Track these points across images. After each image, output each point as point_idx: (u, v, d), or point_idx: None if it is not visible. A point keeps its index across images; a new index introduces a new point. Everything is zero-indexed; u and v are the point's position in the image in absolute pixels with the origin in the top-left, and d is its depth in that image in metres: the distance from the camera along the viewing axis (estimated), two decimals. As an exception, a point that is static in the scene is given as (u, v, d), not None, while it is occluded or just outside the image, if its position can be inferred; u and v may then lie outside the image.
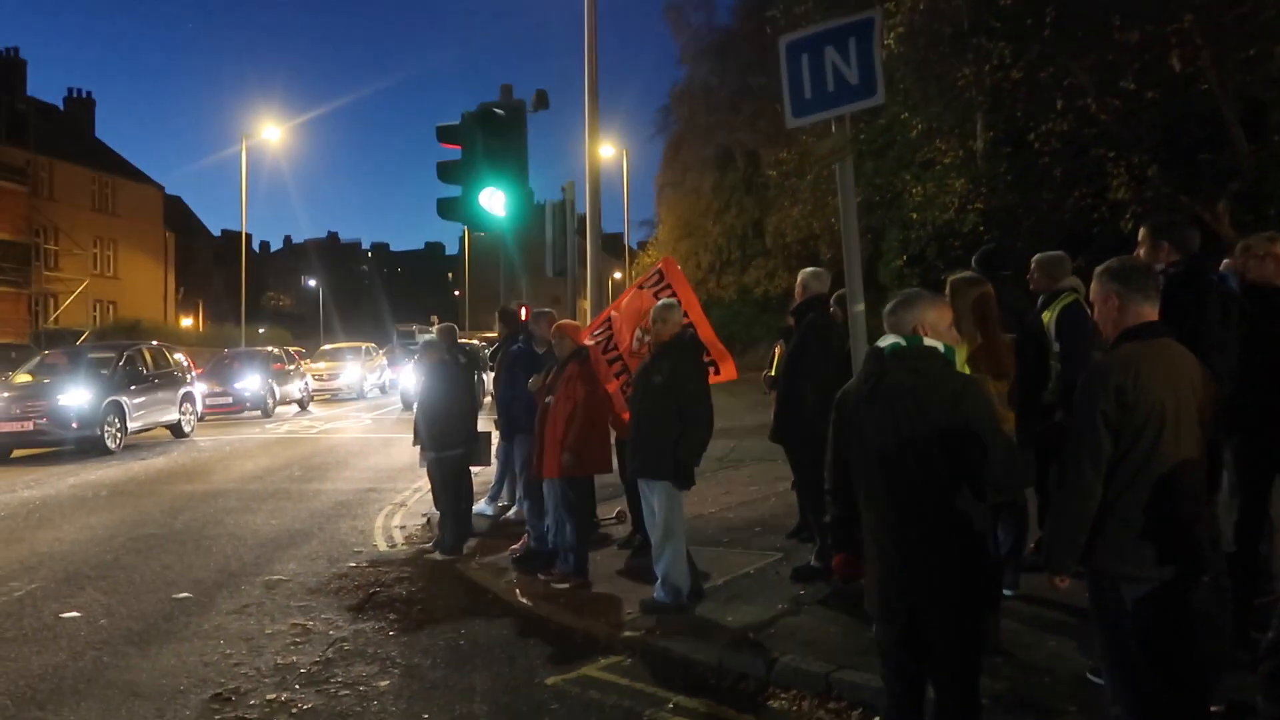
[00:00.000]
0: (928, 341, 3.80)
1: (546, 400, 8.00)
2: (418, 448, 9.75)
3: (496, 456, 10.72)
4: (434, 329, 10.00)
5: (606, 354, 8.40)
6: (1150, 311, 3.80)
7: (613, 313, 8.70)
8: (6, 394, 18.98)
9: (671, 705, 5.59)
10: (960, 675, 3.77)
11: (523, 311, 11.85)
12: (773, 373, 8.75)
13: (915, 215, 24.70)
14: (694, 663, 6.05)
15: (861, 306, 6.02)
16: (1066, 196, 20.03)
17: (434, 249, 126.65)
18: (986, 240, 12.40)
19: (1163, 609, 3.58)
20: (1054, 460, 3.78)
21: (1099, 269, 3.94)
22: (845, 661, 5.65)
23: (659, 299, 7.81)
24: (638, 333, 7.94)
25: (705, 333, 8.15)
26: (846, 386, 4.00)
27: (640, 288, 8.66)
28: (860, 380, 3.90)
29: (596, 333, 8.69)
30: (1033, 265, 7.05)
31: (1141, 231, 5.71)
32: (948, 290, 5.62)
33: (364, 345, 39.64)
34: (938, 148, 23.80)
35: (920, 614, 3.75)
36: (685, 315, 7.53)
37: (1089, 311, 6.47)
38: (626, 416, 7.62)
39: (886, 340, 3.85)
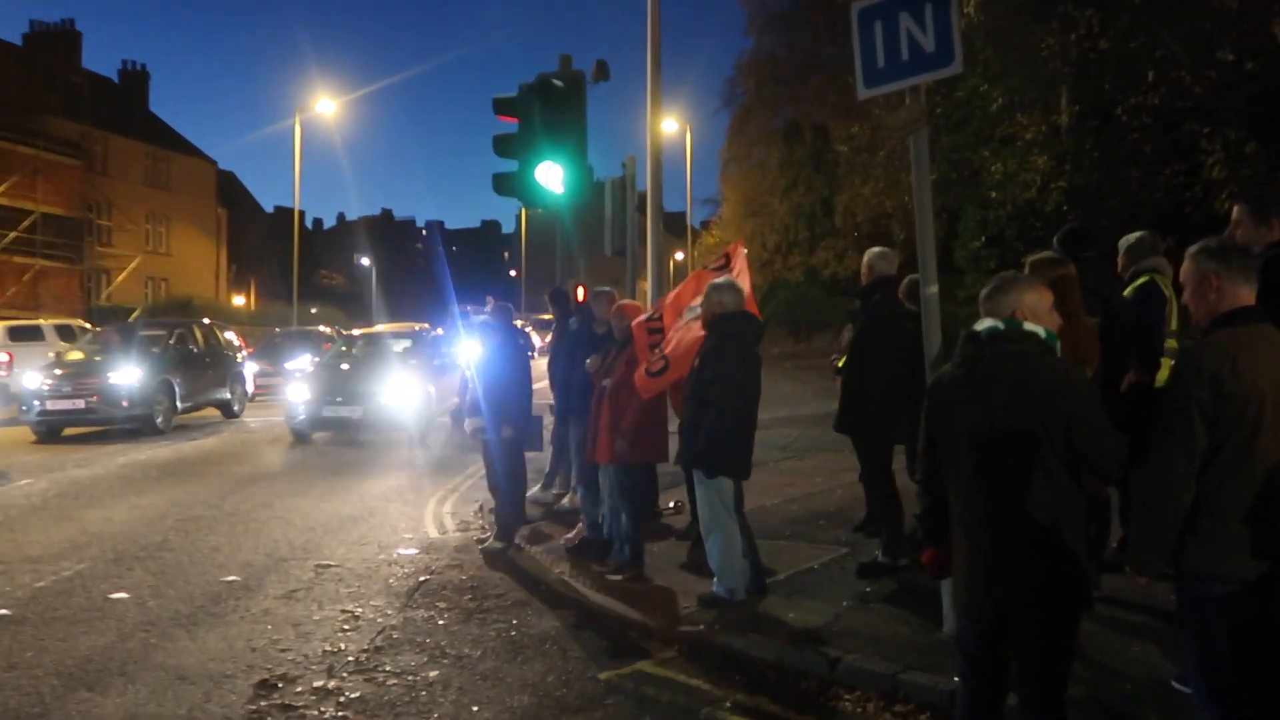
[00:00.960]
0: (1027, 326, 3.77)
1: (604, 383, 7.92)
2: (470, 428, 9.70)
3: (550, 442, 10.71)
4: (489, 307, 10.05)
5: (651, 335, 8.28)
6: (1248, 295, 3.67)
7: (671, 296, 8.66)
8: (59, 371, 19.37)
9: (729, 704, 5.56)
10: (1046, 679, 3.69)
11: (580, 291, 11.92)
12: (839, 364, 8.78)
13: (994, 194, 24.30)
14: (753, 660, 5.99)
15: (935, 289, 5.90)
16: (1157, 175, 19.58)
17: (490, 228, 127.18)
18: (1070, 220, 12.17)
19: (1257, 614, 3.46)
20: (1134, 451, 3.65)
21: (1192, 249, 3.80)
22: (913, 662, 5.56)
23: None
24: (687, 309, 7.91)
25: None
26: (940, 371, 3.98)
27: (704, 269, 8.62)
28: (955, 364, 3.88)
29: (653, 318, 8.56)
30: (1119, 247, 6.90)
31: (1238, 210, 5.54)
32: (1026, 270, 5.49)
33: (418, 326, 38.62)
34: (1019, 122, 23.36)
35: (1009, 612, 3.68)
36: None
37: (1165, 294, 6.48)
38: (646, 396, 7.57)
39: (984, 324, 3.83)
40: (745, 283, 7.59)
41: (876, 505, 7.73)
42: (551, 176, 10.61)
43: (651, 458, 8.17)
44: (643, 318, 8.27)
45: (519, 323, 33.98)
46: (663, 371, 7.44)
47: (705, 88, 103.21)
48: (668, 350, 7.56)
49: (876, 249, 7.67)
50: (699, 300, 7.36)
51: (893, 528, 7.41)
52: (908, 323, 6.83)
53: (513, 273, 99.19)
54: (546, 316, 44.78)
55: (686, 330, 7.51)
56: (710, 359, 6.71)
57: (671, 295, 8.29)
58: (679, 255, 61.94)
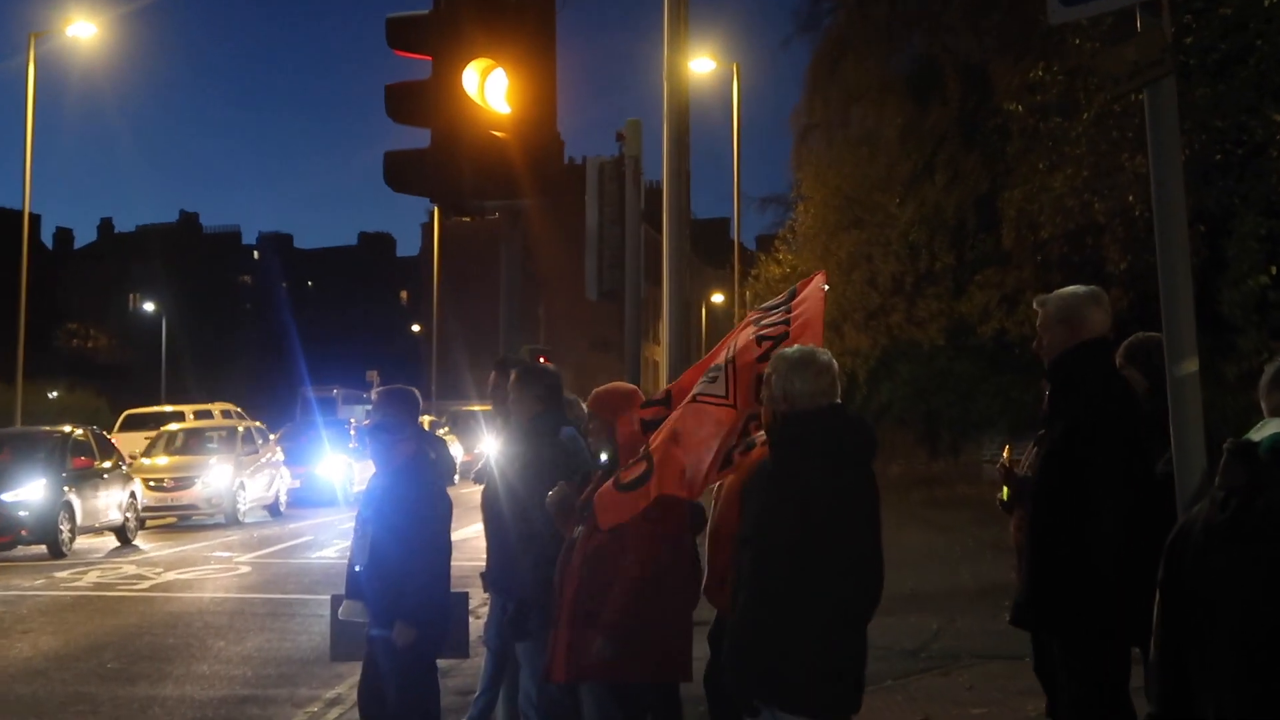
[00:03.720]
0: None
1: (575, 533, 6.06)
2: (338, 618, 7.48)
3: (485, 642, 7.82)
4: (373, 394, 8.03)
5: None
6: None
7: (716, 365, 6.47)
8: None
9: None
10: None
11: (542, 361, 9.57)
12: (1004, 495, 6.78)
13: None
14: None
15: (1193, 363, 4.65)
16: None
17: (375, 248, 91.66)
18: None
19: None
20: None
21: None
22: None
23: (760, 341, 5.83)
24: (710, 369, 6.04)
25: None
26: (1187, 517, 3.42)
27: (756, 324, 6.36)
28: (1213, 502, 3.24)
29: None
30: None
31: None
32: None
33: (240, 425, 29.39)
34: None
35: None
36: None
37: None
38: (604, 525, 5.73)
39: (1266, 429, 3.17)
40: (814, 329, 5.71)
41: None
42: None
43: (660, 673, 6.14)
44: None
45: (426, 422, 28.73)
46: (639, 483, 5.50)
47: (767, 1, 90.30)
48: (655, 443, 5.56)
49: (1074, 290, 5.75)
50: (736, 354, 5.72)
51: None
52: (1140, 425, 5.35)
53: (416, 327, 71.60)
54: (478, 408, 35.45)
55: (697, 413, 5.60)
56: (762, 498, 4.77)
57: (709, 359, 6.27)
58: (717, 297, 55.00)
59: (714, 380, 5.62)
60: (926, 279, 28.92)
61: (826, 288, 6.31)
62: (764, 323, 6.20)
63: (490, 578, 7.19)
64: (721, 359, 5.85)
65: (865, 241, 29.86)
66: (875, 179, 29.86)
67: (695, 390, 5.77)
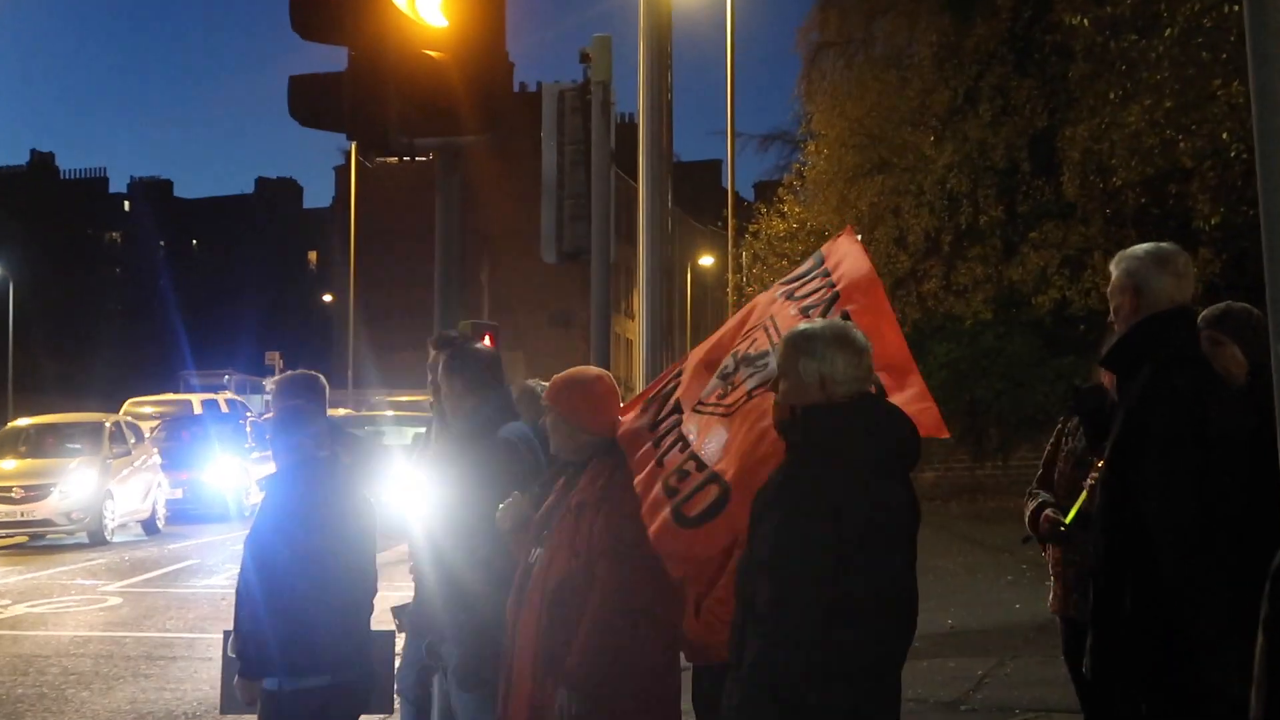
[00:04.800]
0: None
1: (531, 556, 5.69)
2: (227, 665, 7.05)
3: (400, 692, 7.38)
4: (273, 382, 8.33)
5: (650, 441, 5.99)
6: None
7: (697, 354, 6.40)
8: None
9: None
10: None
11: (487, 340, 9.41)
12: (1068, 519, 6.35)
13: None
14: None
15: None
16: None
17: (275, 196, 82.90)
18: None
19: None
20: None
21: None
22: None
23: (806, 312, 5.54)
24: (726, 361, 5.74)
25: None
26: None
27: (788, 297, 6.12)
28: None
29: (656, 399, 6.21)
30: None
31: None
32: None
33: (108, 419, 26.43)
34: None
35: None
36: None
37: None
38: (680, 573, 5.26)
39: None
40: (875, 299, 5.44)
41: None
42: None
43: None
44: (632, 417, 5.93)
45: (338, 416, 28.02)
46: (716, 510, 5.03)
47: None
48: (729, 453, 5.21)
49: (1148, 249, 5.40)
50: (756, 345, 5.39)
51: None
52: (1236, 416, 4.93)
53: (327, 297, 65.51)
54: (411, 398, 32.50)
55: (743, 420, 5.22)
56: (782, 515, 4.44)
57: (699, 352, 6.06)
58: (706, 259, 52.71)
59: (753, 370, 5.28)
60: (969, 237, 25.79)
61: (859, 237, 5.73)
62: (799, 294, 5.79)
63: (410, 613, 6.85)
64: (745, 347, 5.56)
65: (892, 190, 26.65)
66: (905, 111, 26.71)
67: (748, 386, 5.34)
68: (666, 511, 5.16)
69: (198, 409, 30.68)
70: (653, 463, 5.44)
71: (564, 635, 5.45)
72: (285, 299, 71.29)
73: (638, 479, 5.38)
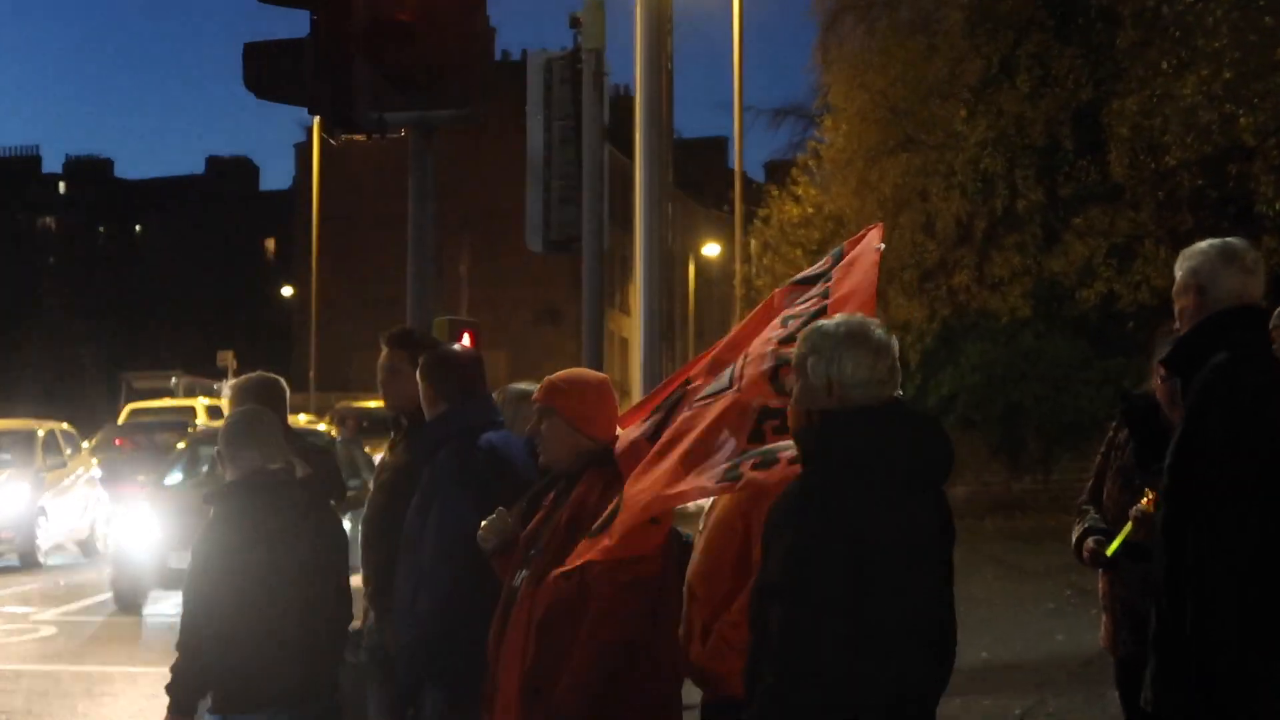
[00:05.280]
0: None
1: (516, 579, 5.56)
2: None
3: None
4: (226, 386, 7.15)
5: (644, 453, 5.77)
6: None
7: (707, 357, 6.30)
8: None
9: None
10: None
11: (466, 339, 9.45)
12: (1115, 544, 6.08)
13: None
14: None
15: None
16: None
17: (228, 177, 79.75)
18: None
19: None
20: None
21: None
22: None
23: (785, 322, 5.48)
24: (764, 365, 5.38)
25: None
26: None
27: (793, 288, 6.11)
28: None
29: (661, 410, 5.99)
30: None
31: None
32: None
33: (41, 427, 24.98)
34: None
35: None
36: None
37: None
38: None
39: None
40: (859, 299, 5.20)
41: None
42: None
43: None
44: (629, 431, 5.73)
45: (302, 422, 28.22)
46: (606, 524, 5.07)
47: None
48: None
49: (1213, 244, 5.25)
50: (768, 347, 5.25)
51: None
52: None
53: (287, 290, 62.26)
54: (370, 405, 30.24)
55: (699, 411, 5.34)
56: (794, 535, 4.30)
57: (710, 355, 5.90)
58: (710, 248, 50.69)
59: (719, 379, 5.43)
60: (1005, 223, 24.32)
61: (882, 246, 5.43)
62: (798, 301, 5.76)
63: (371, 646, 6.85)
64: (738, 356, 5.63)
65: (919, 170, 24.99)
66: (933, 82, 24.99)
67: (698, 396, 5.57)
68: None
69: (201, 416, 29.85)
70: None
71: (554, 664, 5.29)
72: (239, 292, 69.60)
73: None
